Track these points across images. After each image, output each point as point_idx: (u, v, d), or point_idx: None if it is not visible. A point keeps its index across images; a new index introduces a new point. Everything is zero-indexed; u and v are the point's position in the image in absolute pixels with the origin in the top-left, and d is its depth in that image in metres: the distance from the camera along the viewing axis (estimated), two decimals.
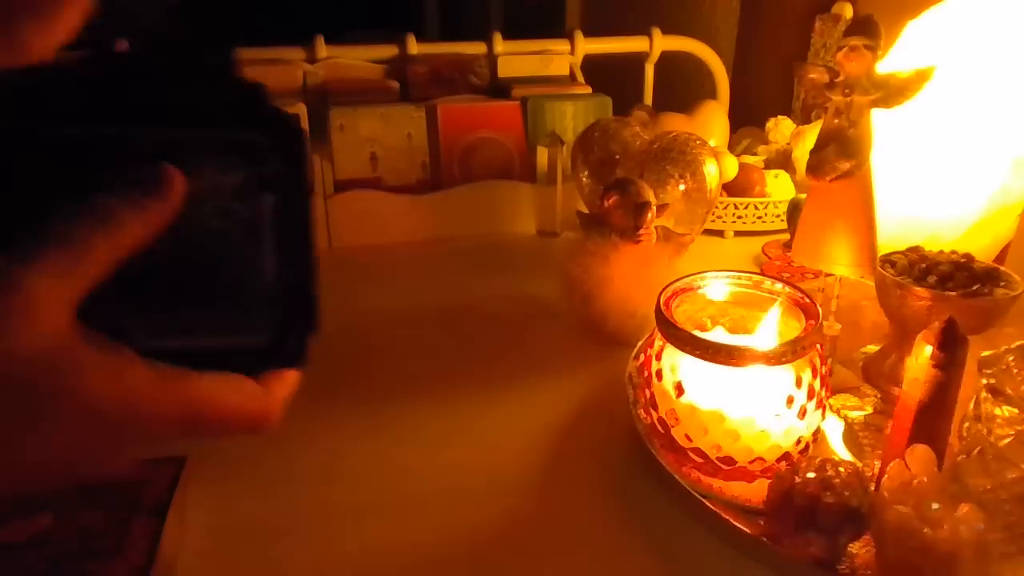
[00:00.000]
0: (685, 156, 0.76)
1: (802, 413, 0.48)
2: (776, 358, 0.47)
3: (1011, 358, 0.45)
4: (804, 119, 1.14)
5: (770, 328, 0.53)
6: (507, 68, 1.08)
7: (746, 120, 1.19)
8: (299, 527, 0.47)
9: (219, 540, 0.45)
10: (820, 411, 0.50)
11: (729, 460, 0.48)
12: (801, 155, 0.99)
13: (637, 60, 1.19)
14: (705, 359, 0.47)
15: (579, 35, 1.12)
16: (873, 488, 0.44)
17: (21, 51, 0.26)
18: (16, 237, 0.22)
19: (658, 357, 0.51)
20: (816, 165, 0.61)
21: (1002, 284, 0.54)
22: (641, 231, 0.66)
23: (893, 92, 0.58)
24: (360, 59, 1.04)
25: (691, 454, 0.50)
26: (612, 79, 1.12)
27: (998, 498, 0.43)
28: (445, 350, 0.69)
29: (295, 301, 0.29)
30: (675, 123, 1.03)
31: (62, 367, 0.23)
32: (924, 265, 0.56)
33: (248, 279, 0.28)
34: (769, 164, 1.05)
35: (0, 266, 0.22)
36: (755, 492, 0.47)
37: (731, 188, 0.97)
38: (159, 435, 0.26)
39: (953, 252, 0.58)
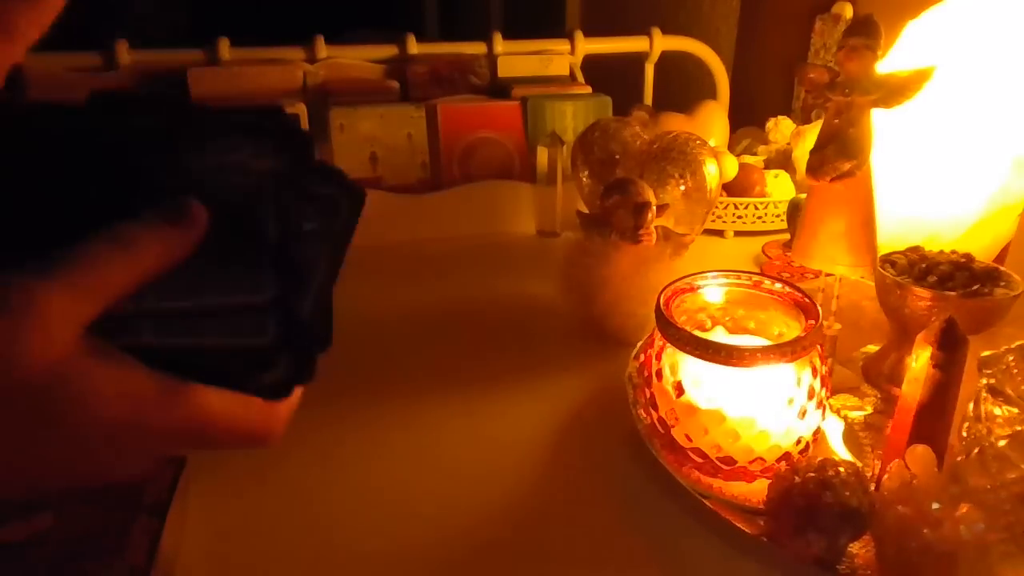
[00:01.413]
0: (685, 156, 0.76)
1: (802, 413, 0.48)
2: (776, 358, 0.47)
3: (1011, 358, 0.45)
4: (804, 119, 1.14)
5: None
6: (507, 68, 1.08)
7: (746, 120, 1.19)
8: (299, 527, 0.47)
9: (219, 540, 0.45)
10: (820, 411, 0.50)
11: (729, 460, 0.48)
12: (801, 155, 0.99)
13: (637, 60, 1.19)
14: (705, 359, 0.47)
15: (579, 35, 1.12)
16: (873, 488, 0.44)
17: (12, 35, 0.28)
18: (40, 255, 0.23)
19: (658, 357, 0.51)
20: (816, 165, 0.61)
21: (1002, 284, 0.54)
22: (641, 231, 0.66)
23: (893, 92, 0.58)
24: (360, 59, 1.04)
25: (691, 454, 0.50)
26: (612, 79, 1.12)
27: (998, 498, 0.43)
28: (445, 350, 0.69)
29: (313, 318, 0.28)
30: (675, 123, 1.03)
31: (72, 379, 0.24)
32: (924, 265, 0.56)
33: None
34: (769, 164, 1.05)
35: (19, 280, 0.23)
36: (755, 492, 0.47)
37: (731, 188, 0.97)
38: (165, 444, 0.27)
39: (953, 252, 0.58)
